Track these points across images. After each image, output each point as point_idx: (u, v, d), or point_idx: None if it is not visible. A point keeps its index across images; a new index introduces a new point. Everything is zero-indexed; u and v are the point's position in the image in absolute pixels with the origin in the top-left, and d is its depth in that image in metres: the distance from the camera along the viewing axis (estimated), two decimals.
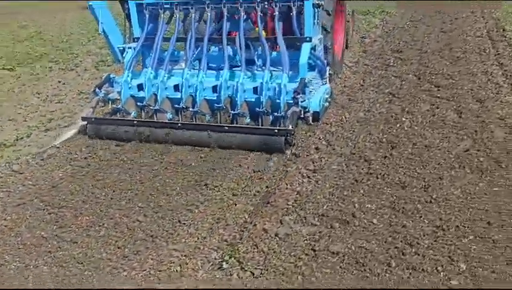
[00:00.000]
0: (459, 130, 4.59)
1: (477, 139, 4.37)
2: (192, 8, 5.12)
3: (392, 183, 3.68)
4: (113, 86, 5.21)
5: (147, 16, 5.29)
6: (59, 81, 7.14)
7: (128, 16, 5.48)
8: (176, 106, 4.86)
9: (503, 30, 8.62)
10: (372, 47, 8.47)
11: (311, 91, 4.90)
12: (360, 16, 11.78)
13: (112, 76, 5.27)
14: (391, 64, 7.19)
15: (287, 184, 3.71)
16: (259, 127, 4.52)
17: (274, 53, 5.24)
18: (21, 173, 4.25)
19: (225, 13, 5.01)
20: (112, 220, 3.37)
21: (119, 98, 5.11)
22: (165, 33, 5.33)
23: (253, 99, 4.76)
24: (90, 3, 5.23)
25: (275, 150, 4.32)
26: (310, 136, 4.70)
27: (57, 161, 4.47)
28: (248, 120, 4.74)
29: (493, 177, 3.67)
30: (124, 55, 5.41)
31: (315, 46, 5.10)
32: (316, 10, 5.13)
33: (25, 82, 7.28)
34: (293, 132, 4.35)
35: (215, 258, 2.86)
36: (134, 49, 5.35)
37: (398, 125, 4.83)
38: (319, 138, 4.62)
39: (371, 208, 3.34)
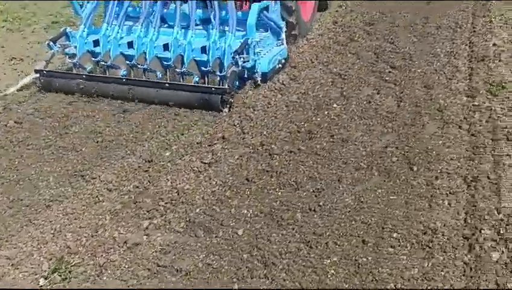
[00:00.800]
0: (388, 122, 4.16)
1: (402, 133, 3.95)
2: None
3: (286, 184, 3.32)
4: (69, 41, 5.23)
5: None
6: None
7: None
8: (128, 62, 4.88)
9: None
10: (345, 18, 7.83)
11: (259, 52, 4.88)
12: None
13: (68, 30, 5.27)
14: (355, 38, 6.64)
15: (168, 180, 3.37)
16: (198, 85, 4.65)
17: (239, 13, 5.10)
18: None
19: None
20: None
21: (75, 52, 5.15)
22: None
23: (203, 59, 4.83)
24: None
25: (212, 108, 4.44)
26: (224, 120, 4.32)
27: None
28: (197, 79, 4.77)
29: (397, 182, 3.28)
30: (82, 9, 5.36)
31: (267, 6, 5.06)
32: None
33: None
34: (229, 91, 4.40)
35: (43, 271, 2.56)
36: (92, 3, 5.34)
37: (326, 112, 4.41)
38: (233, 124, 4.22)
39: (246, 214, 3.00)
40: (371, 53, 6.00)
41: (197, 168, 3.53)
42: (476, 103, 4.45)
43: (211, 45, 4.81)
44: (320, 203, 3.07)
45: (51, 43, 5.07)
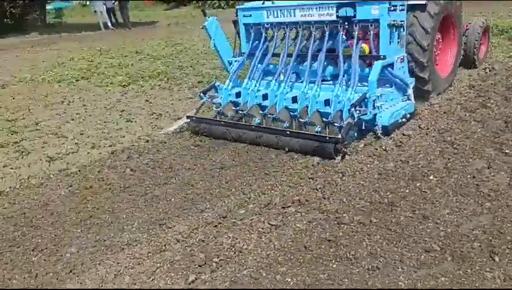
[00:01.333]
0: (487, 202, 3.68)
1: (499, 216, 3.45)
2: (287, 28, 5.92)
3: (343, 257, 3.16)
4: (217, 92, 6.14)
5: (252, 34, 6.22)
6: (146, 100, 7.86)
7: (238, 34, 6.45)
8: (261, 112, 5.58)
9: None
10: (485, 81, 7.22)
11: (380, 106, 5.15)
12: (505, 41, 10.22)
13: (217, 84, 6.22)
14: (488, 104, 6.06)
15: (229, 237, 3.49)
16: (313, 133, 5.01)
17: (366, 70, 5.56)
18: None
19: (300, 33, 5.89)
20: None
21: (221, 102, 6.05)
22: (266, 50, 6.17)
23: (326, 111, 5.26)
24: (204, 24, 6.32)
25: (325, 155, 4.81)
26: (308, 183, 4.31)
27: None
28: (319, 129, 5.18)
29: (468, 272, 2.88)
30: (231, 66, 6.33)
31: (392, 63, 5.40)
32: (396, 30, 5.38)
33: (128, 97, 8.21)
34: (342, 141, 4.71)
35: None
36: (238, 62, 6.24)
37: (419, 184, 4.10)
38: (315, 188, 4.19)
39: (289, 282, 2.95)
40: (500, 121, 5.42)
41: (262, 229, 3.59)
42: None
43: (333, 98, 5.21)
44: (369, 283, 2.86)
45: (202, 94, 6.04)
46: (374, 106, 5.11)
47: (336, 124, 5.05)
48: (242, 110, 5.73)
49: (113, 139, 6.03)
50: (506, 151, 4.61)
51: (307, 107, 5.33)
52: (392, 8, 5.31)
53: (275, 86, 5.75)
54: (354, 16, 5.38)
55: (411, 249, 3.18)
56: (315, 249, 3.29)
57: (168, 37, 16.21)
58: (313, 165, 4.73)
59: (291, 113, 5.39)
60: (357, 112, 4.89)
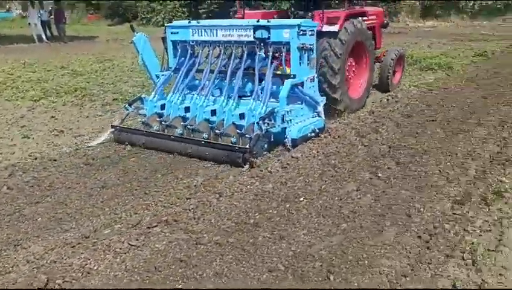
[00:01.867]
0: (344, 223, 3.84)
1: (350, 237, 3.60)
2: (210, 46, 6.34)
3: (190, 277, 3.19)
4: (143, 104, 6.46)
5: (179, 50, 6.56)
6: (52, 116, 7.67)
7: (166, 50, 6.75)
8: (182, 123, 5.89)
9: None
10: (384, 108, 7.59)
11: (289, 121, 5.63)
12: (415, 70, 10.81)
13: (143, 96, 6.54)
14: (380, 130, 6.36)
15: (81, 258, 3.44)
16: (224, 144, 5.41)
17: (281, 87, 5.83)
18: None
19: (222, 51, 6.31)
20: None
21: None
22: (192, 65, 6.47)
23: (241, 123, 5.61)
24: (132, 39, 6.63)
25: (235, 163, 5.20)
26: (183, 203, 4.33)
27: None
28: (234, 140, 5.47)
29: None
30: (158, 80, 6.65)
31: (302, 83, 5.86)
32: (305, 52, 5.78)
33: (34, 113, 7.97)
34: (249, 150, 5.12)
35: None
36: (165, 76, 6.59)
37: (288, 205, 4.21)
38: (188, 208, 4.20)
39: None
40: (385, 146, 5.71)
41: (120, 249, 3.55)
42: (458, 212, 3.94)
43: (247, 112, 5.58)
44: None
45: (127, 105, 6.42)
46: (283, 120, 5.53)
47: (247, 135, 5.36)
48: (165, 121, 5.99)
49: (1, 156, 5.81)
50: (379, 175, 4.84)
51: (223, 120, 5.73)
52: (301, 32, 5.71)
53: (196, 99, 6.07)
54: (269, 38, 5.77)
55: (257, 268, 3.25)
56: (165, 269, 3.29)
57: (100, 53, 15.96)
58: (195, 186, 4.77)
59: (210, 125, 5.71)
60: (265, 124, 5.28)
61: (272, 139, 5.62)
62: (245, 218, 4.01)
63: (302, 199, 4.34)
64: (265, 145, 5.56)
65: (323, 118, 6.20)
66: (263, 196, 4.46)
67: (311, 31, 5.91)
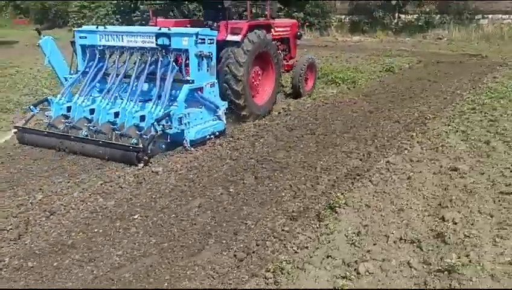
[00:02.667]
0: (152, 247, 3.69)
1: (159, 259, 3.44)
2: (117, 51, 6.59)
3: None
4: (50, 105, 6.56)
5: (88, 54, 6.75)
6: None
7: (75, 53, 6.90)
8: (86, 124, 6.01)
9: None
10: (272, 121, 7.57)
11: (187, 123, 5.93)
12: (321, 84, 10.94)
13: (49, 98, 6.64)
14: (256, 144, 6.31)
15: None
16: (120, 143, 5.58)
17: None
18: None
19: (127, 56, 6.55)
20: None
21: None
22: (100, 69, 6.63)
23: (141, 125, 5.81)
24: (38, 42, 6.73)
25: (130, 162, 5.42)
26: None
27: None
28: (135, 141, 5.61)
29: None
30: (66, 82, 6.77)
31: (201, 88, 6.17)
32: (204, 59, 6.12)
33: None
34: (143, 150, 5.40)
35: None
36: (73, 78, 6.75)
37: (118, 224, 4.01)
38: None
39: None
40: (253, 160, 5.64)
41: None
42: (287, 229, 3.89)
43: (147, 114, 5.85)
44: None
45: (32, 107, 6.51)
46: (180, 122, 5.79)
47: (145, 136, 5.57)
48: (70, 123, 6.11)
49: None
50: (231, 190, 4.76)
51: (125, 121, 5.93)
52: (199, 41, 6.04)
53: (101, 102, 6.26)
54: (169, 45, 6.02)
55: None
56: None
57: (10, 59, 15.17)
58: (31, 203, 4.47)
59: (112, 127, 5.83)
60: (161, 126, 5.56)
61: (169, 140, 5.81)
62: (65, 238, 3.79)
63: (136, 216, 4.17)
64: (163, 146, 5.83)
65: (224, 121, 6.52)
66: (98, 213, 4.25)
67: (210, 39, 6.24)
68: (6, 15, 36.46)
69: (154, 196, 4.61)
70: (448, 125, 7.13)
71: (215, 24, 7.37)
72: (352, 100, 9.10)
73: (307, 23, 26.12)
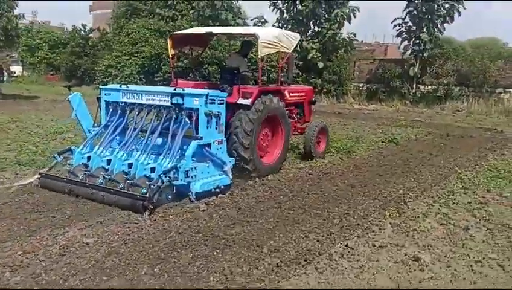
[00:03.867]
0: None
1: None
2: (136, 108, 7.14)
3: None
4: (72, 154, 7.08)
5: (111, 109, 7.31)
6: None
7: (100, 108, 7.47)
8: (102, 173, 6.44)
9: None
10: (243, 191, 7.12)
11: (193, 176, 6.23)
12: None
13: (72, 147, 7.21)
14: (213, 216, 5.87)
15: None
16: (128, 192, 5.95)
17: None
18: None
19: (145, 113, 7.06)
20: None
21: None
22: (120, 123, 7.18)
23: (152, 176, 6.17)
24: (68, 97, 7.42)
25: (136, 210, 5.69)
26: None
27: None
28: (144, 191, 5.87)
29: None
30: (89, 134, 7.33)
31: (209, 144, 6.57)
32: (213, 118, 6.57)
33: None
34: (148, 199, 5.68)
35: None
36: (96, 131, 7.30)
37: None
38: None
39: None
40: (200, 236, 5.18)
41: None
42: None
43: (157, 166, 6.29)
44: None
45: (56, 155, 7.09)
46: (187, 175, 6.13)
47: (153, 186, 5.83)
48: (88, 171, 6.54)
49: None
50: (156, 269, 4.29)
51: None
52: (209, 101, 6.54)
53: (117, 153, 6.76)
54: (183, 104, 6.56)
55: None
56: None
57: (19, 113, 15.51)
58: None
59: (125, 176, 6.27)
60: (167, 177, 5.91)
61: (176, 192, 6.17)
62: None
63: None
64: (169, 196, 6.16)
65: (230, 176, 6.82)
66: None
67: (220, 100, 6.76)
68: (40, 71, 38.24)
69: (68, 273, 4.16)
70: (432, 205, 6.56)
71: (228, 87, 7.83)
72: (340, 172, 8.64)
73: (324, 90, 26.21)
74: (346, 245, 4.98)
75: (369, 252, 4.85)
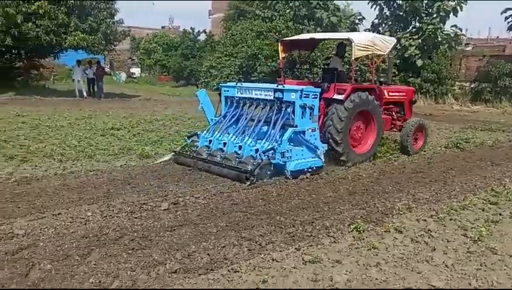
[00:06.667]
0: None
1: None
2: (247, 101, 8.55)
3: None
4: (198, 138, 8.86)
5: (229, 102, 8.92)
6: None
7: (220, 101, 9.06)
8: (219, 153, 8.12)
9: None
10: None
11: (288, 157, 7.57)
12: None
13: (198, 132, 8.98)
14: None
15: None
16: (235, 166, 7.49)
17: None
18: None
19: (254, 105, 8.49)
20: None
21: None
22: (235, 114, 8.69)
23: (255, 155, 7.61)
24: (196, 93, 9.41)
25: (241, 180, 7.15)
26: None
27: None
28: (249, 167, 7.28)
29: None
30: (212, 121, 8.97)
31: (304, 131, 7.79)
32: (307, 109, 7.77)
33: None
34: (250, 172, 7.14)
35: None
36: (216, 120, 8.90)
37: None
38: None
39: None
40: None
41: None
42: None
43: (260, 148, 7.61)
44: None
45: (186, 138, 9.14)
46: (283, 155, 7.44)
47: (254, 163, 7.33)
48: (209, 151, 8.28)
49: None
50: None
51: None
52: (304, 95, 7.70)
53: (231, 137, 8.29)
54: (282, 98, 7.82)
55: None
56: None
57: (127, 108, 16.79)
58: None
59: (236, 156, 7.82)
60: (266, 156, 7.36)
61: (274, 169, 7.50)
62: None
63: None
64: (268, 172, 7.45)
65: (323, 159, 8.01)
66: None
67: (314, 94, 7.88)
68: (154, 72, 41.46)
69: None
70: (416, 220, 5.67)
71: (326, 85, 9.10)
72: (363, 178, 7.90)
73: (422, 90, 24.29)
74: (272, 258, 4.51)
75: (290, 267, 4.33)
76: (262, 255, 4.58)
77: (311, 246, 4.86)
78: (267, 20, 32.42)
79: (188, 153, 8.64)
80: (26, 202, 6.05)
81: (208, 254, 4.56)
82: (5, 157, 8.57)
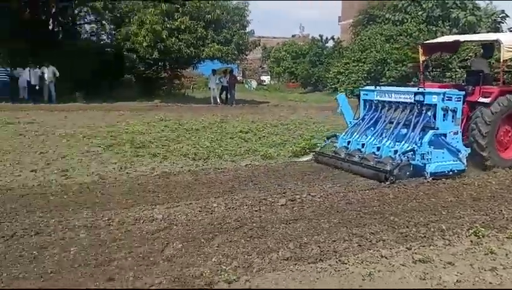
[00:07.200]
0: None
1: None
2: (386, 104, 8.73)
3: None
4: (337, 139, 9.26)
5: (367, 105, 9.17)
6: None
7: (359, 105, 9.33)
8: (358, 153, 8.33)
9: None
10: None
11: (428, 159, 7.55)
12: None
13: (337, 134, 9.37)
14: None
15: None
16: (373, 166, 7.67)
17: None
18: None
19: (393, 108, 8.62)
20: None
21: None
22: (373, 117, 8.91)
23: (394, 156, 7.72)
24: (336, 97, 10.12)
25: (380, 180, 7.33)
26: None
27: None
28: (388, 167, 7.40)
29: None
30: (350, 124, 9.30)
31: (445, 134, 7.76)
32: (449, 112, 7.74)
33: None
34: (389, 172, 7.28)
35: None
36: (355, 122, 9.20)
37: None
38: None
39: None
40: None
41: None
42: None
43: (399, 149, 7.69)
44: None
45: (326, 139, 9.48)
46: (423, 157, 7.50)
47: (393, 164, 7.45)
48: (348, 151, 8.55)
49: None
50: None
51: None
52: (446, 98, 7.71)
53: (370, 139, 8.52)
54: (423, 101, 7.88)
55: None
56: None
57: (249, 114, 17.94)
58: None
59: (374, 156, 7.98)
60: (405, 157, 7.47)
61: (413, 170, 7.57)
62: None
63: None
64: (407, 173, 7.52)
65: (465, 163, 7.86)
66: None
67: (457, 97, 7.85)
68: (283, 79, 42.71)
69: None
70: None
71: (470, 88, 8.82)
72: (491, 184, 7.43)
73: None
74: (381, 255, 4.61)
75: (398, 264, 4.38)
76: (372, 251, 4.69)
77: (423, 246, 4.84)
78: (397, 24, 31.47)
79: (328, 153, 9.01)
80: (164, 192, 6.90)
81: (319, 246, 4.81)
82: (149, 155, 9.79)
